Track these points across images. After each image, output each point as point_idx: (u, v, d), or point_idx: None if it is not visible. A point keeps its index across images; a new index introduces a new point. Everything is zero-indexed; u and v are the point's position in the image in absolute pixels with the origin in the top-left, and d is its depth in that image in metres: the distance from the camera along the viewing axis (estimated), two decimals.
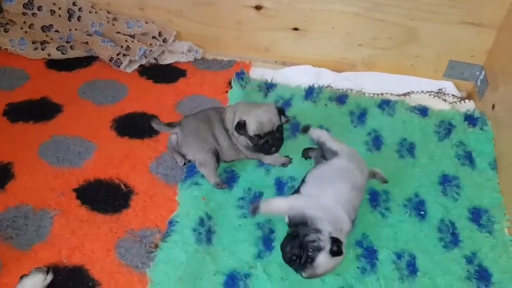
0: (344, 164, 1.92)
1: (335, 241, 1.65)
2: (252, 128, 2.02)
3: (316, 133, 2.09)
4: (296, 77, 2.84)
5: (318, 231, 1.69)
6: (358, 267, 1.86)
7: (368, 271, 1.85)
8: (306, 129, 2.15)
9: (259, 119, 2.02)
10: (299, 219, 1.76)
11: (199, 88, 2.75)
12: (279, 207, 1.85)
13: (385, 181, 2.07)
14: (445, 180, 2.22)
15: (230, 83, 2.74)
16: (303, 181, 1.92)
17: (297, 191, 1.90)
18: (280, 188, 2.15)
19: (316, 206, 1.78)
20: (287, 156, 2.24)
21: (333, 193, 1.81)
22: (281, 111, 2.11)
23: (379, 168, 2.08)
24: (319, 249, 1.65)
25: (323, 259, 1.65)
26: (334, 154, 1.97)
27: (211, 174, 2.11)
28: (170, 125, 2.16)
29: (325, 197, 1.80)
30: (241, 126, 2.04)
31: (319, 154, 2.09)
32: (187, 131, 2.12)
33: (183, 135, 2.12)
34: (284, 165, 2.22)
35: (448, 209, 2.09)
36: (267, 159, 2.20)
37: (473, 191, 2.17)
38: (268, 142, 2.05)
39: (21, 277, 1.71)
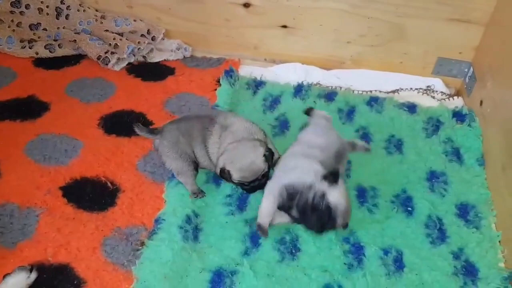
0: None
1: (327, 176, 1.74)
2: (236, 177, 1.95)
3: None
4: (285, 74, 2.84)
5: (309, 187, 1.74)
6: (345, 263, 1.86)
7: (355, 267, 1.85)
8: (309, 111, 2.20)
9: (243, 173, 1.93)
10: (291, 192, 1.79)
11: (187, 85, 2.73)
12: (267, 207, 1.85)
13: (368, 149, 2.12)
14: (433, 176, 2.22)
15: (219, 81, 2.73)
16: None
17: None
18: None
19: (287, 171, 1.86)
20: None
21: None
22: (268, 157, 1.97)
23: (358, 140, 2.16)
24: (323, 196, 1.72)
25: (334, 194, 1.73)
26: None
27: (188, 182, 2.09)
28: (152, 132, 2.14)
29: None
30: (224, 174, 1.96)
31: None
32: (166, 142, 2.08)
33: (162, 146, 2.09)
34: None
35: (435, 205, 2.09)
36: None
37: (461, 187, 2.18)
38: (251, 186, 2.00)
39: (4, 276, 1.70)
